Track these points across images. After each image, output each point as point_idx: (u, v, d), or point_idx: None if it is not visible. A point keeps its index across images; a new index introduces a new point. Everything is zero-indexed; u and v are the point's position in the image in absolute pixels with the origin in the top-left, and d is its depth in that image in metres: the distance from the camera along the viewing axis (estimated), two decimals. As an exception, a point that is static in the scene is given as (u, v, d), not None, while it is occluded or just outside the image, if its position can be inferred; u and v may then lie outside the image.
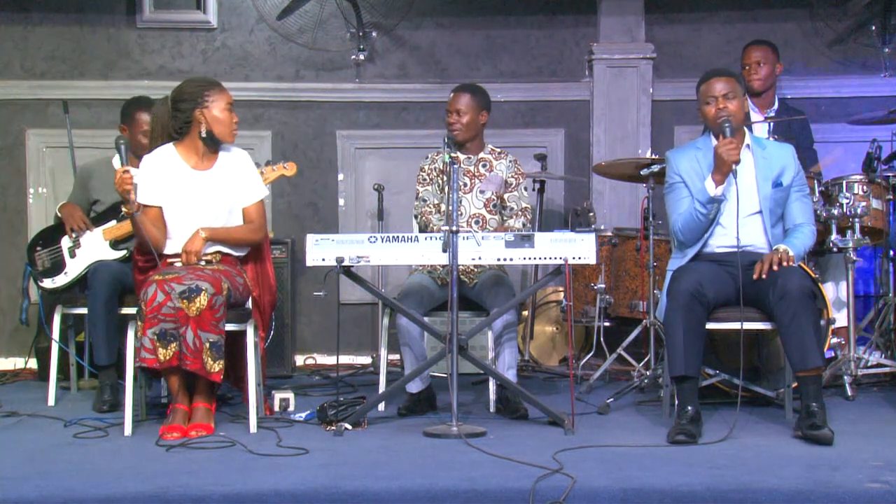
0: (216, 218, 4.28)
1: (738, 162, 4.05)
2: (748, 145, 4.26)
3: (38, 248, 4.97)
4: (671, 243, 4.48)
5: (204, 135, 4.25)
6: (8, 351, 6.11)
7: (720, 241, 4.21)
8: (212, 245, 4.25)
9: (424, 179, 4.75)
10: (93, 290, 4.65)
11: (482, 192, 4.69)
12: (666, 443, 3.78)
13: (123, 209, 4.11)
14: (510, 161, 4.76)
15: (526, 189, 4.78)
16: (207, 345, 3.94)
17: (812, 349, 3.85)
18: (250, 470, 3.41)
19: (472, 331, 4.24)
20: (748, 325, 4.10)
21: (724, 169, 4.07)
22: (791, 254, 4.04)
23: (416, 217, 4.77)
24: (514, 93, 6.33)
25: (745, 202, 4.16)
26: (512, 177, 4.73)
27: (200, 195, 4.26)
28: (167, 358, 3.92)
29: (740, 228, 4.12)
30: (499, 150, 4.79)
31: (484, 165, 4.71)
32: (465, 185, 4.68)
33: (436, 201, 4.70)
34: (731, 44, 6.28)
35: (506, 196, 4.71)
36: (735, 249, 4.12)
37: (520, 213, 4.69)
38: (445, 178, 4.68)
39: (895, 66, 6.24)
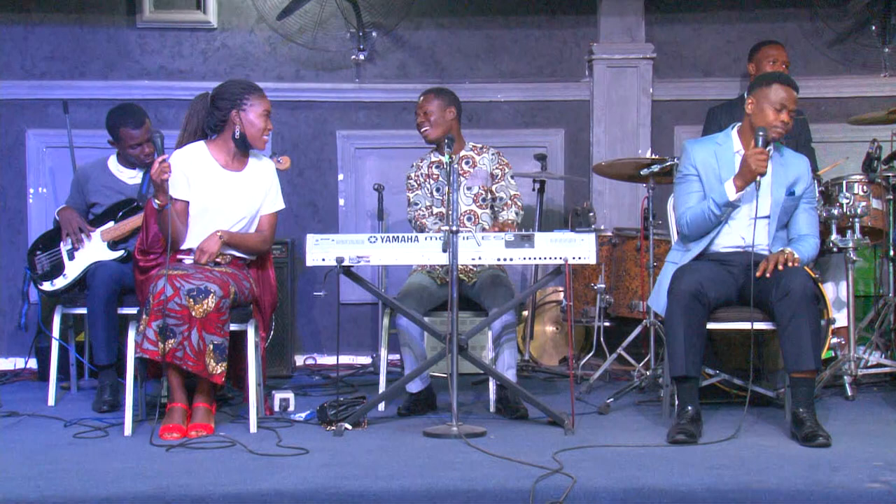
0: (240, 220, 4.31)
1: (764, 174, 4.04)
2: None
3: (38, 252, 4.97)
4: (672, 239, 4.47)
5: (237, 136, 4.27)
6: (8, 351, 6.11)
7: (726, 240, 4.20)
8: (226, 248, 4.26)
9: (413, 186, 4.81)
10: (92, 290, 4.65)
11: (469, 188, 4.71)
12: (666, 443, 3.78)
13: (156, 201, 4.10)
14: (493, 154, 4.80)
15: (513, 178, 4.81)
16: (211, 347, 3.95)
17: (807, 351, 3.84)
18: (250, 470, 3.41)
19: (471, 331, 4.24)
20: (749, 325, 4.10)
21: (748, 178, 4.06)
22: (796, 255, 4.04)
23: (409, 222, 4.80)
24: (514, 93, 6.33)
25: (756, 205, 4.16)
26: (497, 168, 4.76)
27: (229, 195, 4.28)
28: (164, 353, 3.92)
29: (746, 229, 4.12)
30: (479, 146, 4.83)
31: (467, 162, 4.75)
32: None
33: (427, 203, 4.74)
34: (732, 44, 6.28)
35: (494, 188, 4.75)
36: (737, 249, 4.14)
37: (510, 202, 4.72)
38: (432, 182, 4.74)
39: (895, 66, 6.24)
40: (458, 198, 4.67)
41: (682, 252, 4.27)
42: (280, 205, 4.48)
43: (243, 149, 4.34)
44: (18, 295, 5.46)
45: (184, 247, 4.27)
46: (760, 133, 4.08)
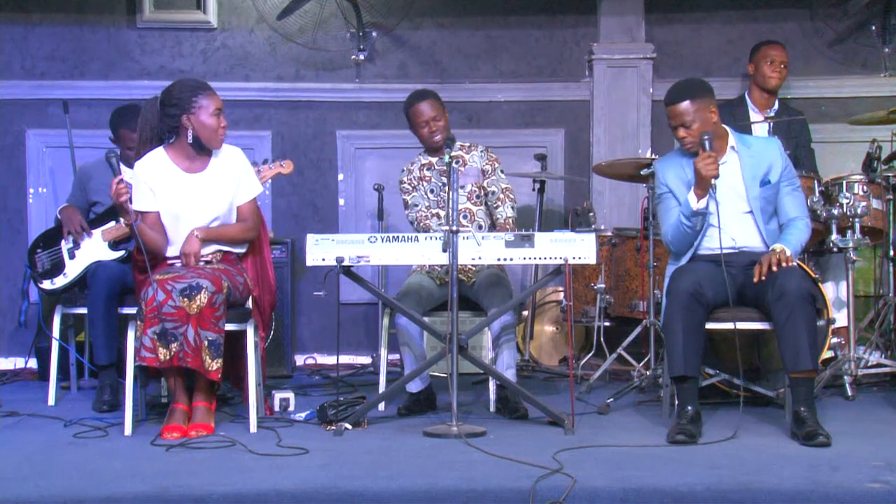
0: (215, 219, 4.27)
1: (716, 177, 4.04)
2: (733, 147, 4.25)
3: (39, 251, 4.97)
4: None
5: (191, 140, 4.21)
6: (8, 351, 6.11)
7: (716, 242, 4.20)
8: (209, 244, 4.25)
9: (408, 189, 4.79)
10: (92, 290, 4.65)
11: (462, 186, 4.71)
12: (666, 443, 3.78)
13: (122, 220, 4.09)
14: (481, 151, 4.81)
15: (503, 171, 4.80)
16: (206, 343, 3.94)
17: (805, 351, 3.84)
18: (250, 470, 3.41)
19: (471, 331, 4.23)
20: (748, 326, 4.10)
21: (703, 184, 4.06)
22: (788, 253, 4.03)
23: (412, 223, 4.79)
24: (514, 93, 6.33)
25: (736, 203, 4.16)
26: (487, 164, 4.77)
27: (196, 198, 4.24)
28: (167, 358, 3.92)
29: (734, 228, 4.13)
30: (468, 144, 4.83)
31: (457, 162, 4.74)
32: (444, 184, 4.70)
33: (426, 203, 4.73)
34: (732, 43, 6.28)
35: (485, 183, 4.74)
36: (730, 250, 4.14)
37: (503, 195, 4.72)
38: (426, 184, 4.73)
39: (895, 65, 6.24)
40: (439, 199, 4.68)
41: (676, 265, 4.28)
42: (256, 189, 4.39)
43: (201, 149, 4.27)
44: (18, 294, 5.46)
45: (170, 254, 4.25)
46: (706, 137, 4.08)
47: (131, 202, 4.11)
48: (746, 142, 4.31)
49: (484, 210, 4.75)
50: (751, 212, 4.20)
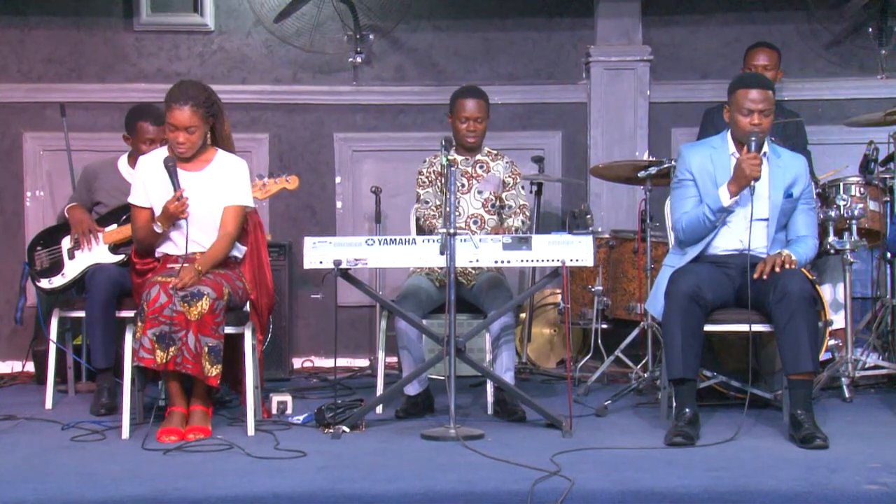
0: (207, 216, 4.23)
1: (758, 178, 4.04)
2: (765, 153, 4.25)
3: (39, 248, 4.95)
4: (669, 242, 4.47)
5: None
6: (5, 354, 6.10)
7: (723, 242, 4.19)
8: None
9: (424, 182, 4.75)
10: (90, 293, 4.63)
11: (480, 192, 4.71)
12: (664, 445, 3.78)
13: (158, 224, 4.12)
14: (507, 162, 4.79)
15: (523, 188, 4.82)
16: (206, 349, 3.94)
17: (805, 353, 3.85)
18: (248, 473, 3.41)
19: (469, 333, 4.24)
20: (746, 327, 4.10)
21: (742, 182, 4.05)
22: (794, 258, 4.04)
23: (417, 219, 4.76)
24: (511, 95, 6.33)
25: (755, 207, 4.16)
26: (509, 177, 4.76)
27: (190, 195, 4.19)
28: (163, 360, 3.91)
29: (744, 232, 4.11)
30: (495, 152, 4.82)
31: (481, 167, 4.74)
32: (463, 185, 4.69)
33: (437, 203, 4.71)
34: (729, 46, 6.29)
35: (504, 195, 4.74)
36: (734, 252, 4.14)
37: (518, 211, 4.72)
38: (444, 181, 4.70)
39: (892, 67, 6.25)
40: (456, 200, 4.66)
41: (679, 256, 4.27)
42: (245, 201, 4.30)
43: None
44: (15, 296, 5.44)
45: (171, 252, 4.25)
46: (753, 138, 4.08)
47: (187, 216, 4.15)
48: (777, 152, 4.30)
49: (496, 220, 4.73)
50: (766, 219, 4.20)
